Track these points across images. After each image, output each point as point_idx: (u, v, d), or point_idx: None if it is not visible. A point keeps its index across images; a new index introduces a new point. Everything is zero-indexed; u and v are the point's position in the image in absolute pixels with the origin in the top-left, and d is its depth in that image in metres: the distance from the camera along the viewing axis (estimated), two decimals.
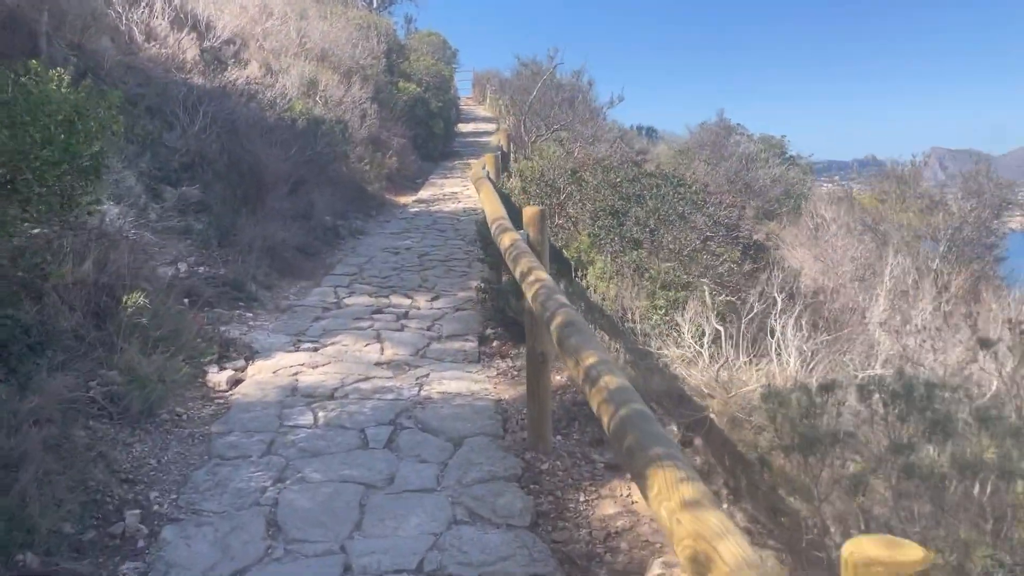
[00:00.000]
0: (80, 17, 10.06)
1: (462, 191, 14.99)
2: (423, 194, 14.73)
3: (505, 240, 4.06)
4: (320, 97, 12.97)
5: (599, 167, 6.89)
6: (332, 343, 6.01)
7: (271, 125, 10.79)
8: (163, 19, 11.47)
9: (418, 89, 19.59)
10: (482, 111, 39.07)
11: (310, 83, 13.09)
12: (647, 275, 5.89)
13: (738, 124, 15.86)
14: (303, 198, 9.89)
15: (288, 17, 15.23)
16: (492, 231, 4.74)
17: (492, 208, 5.05)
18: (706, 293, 5.46)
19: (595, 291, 5.34)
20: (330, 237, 9.77)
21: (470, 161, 19.81)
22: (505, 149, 9.81)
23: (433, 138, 19.71)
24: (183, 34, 11.59)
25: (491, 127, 31.39)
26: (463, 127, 29.84)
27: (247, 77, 11.69)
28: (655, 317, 5.58)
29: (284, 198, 9.36)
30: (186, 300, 6.14)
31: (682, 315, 5.44)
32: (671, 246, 6.05)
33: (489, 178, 6.90)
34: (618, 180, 6.51)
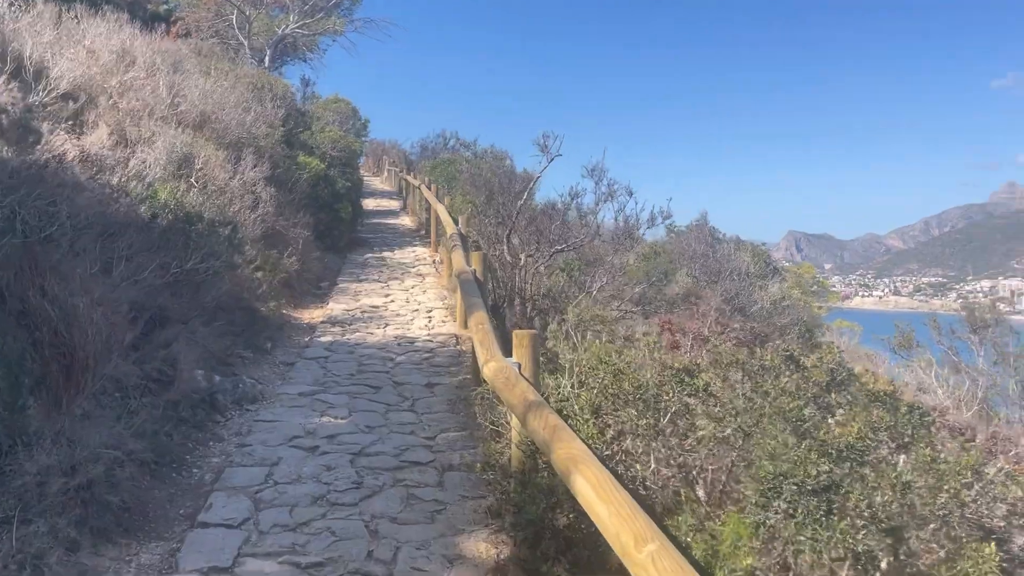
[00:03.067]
0: None
1: (385, 303, 11.48)
2: (335, 307, 11.08)
3: None
4: (197, 179, 9.30)
5: (736, 365, 3.68)
6: None
7: (118, 225, 7.06)
8: None
9: (322, 165, 16.10)
10: (379, 184, 35.79)
11: (183, 159, 9.42)
12: None
13: (713, 227, 13.22)
14: (160, 349, 6.17)
15: (157, 69, 11.51)
16: None
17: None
18: None
19: None
20: (202, 418, 6.03)
21: (384, 254, 16.38)
22: (480, 277, 6.54)
23: (339, 224, 16.16)
24: None
25: (395, 205, 28.08)
26: (365, 203, 26.31)
27: (84, 149, 7.93)
28: None
29: (125, 356, 5.64)
30: None
31: None
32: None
33: (527, 379, 3.50)
34: (800, 409, 3.28)
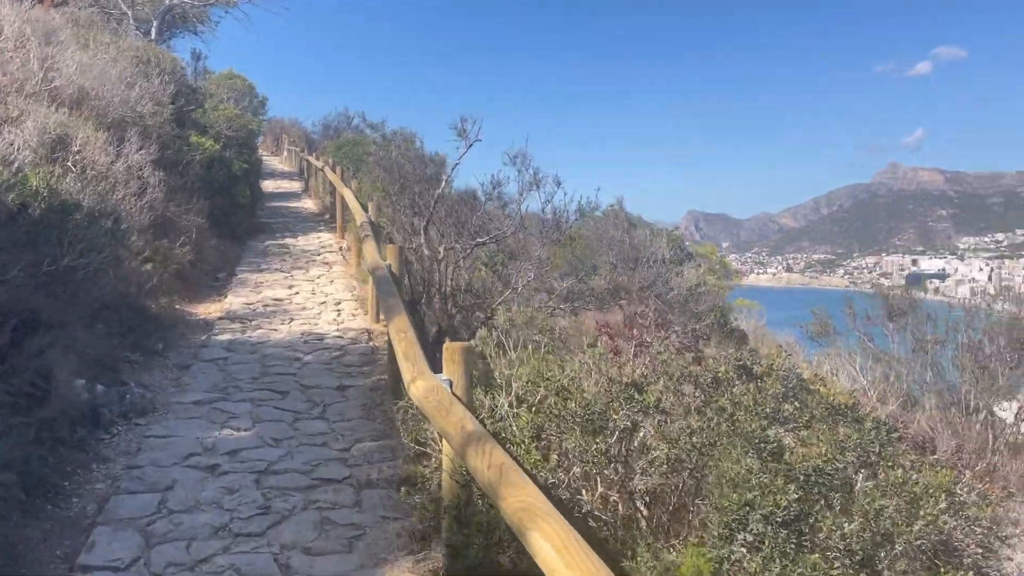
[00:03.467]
0: None
1: (289, 295, 10.82)
2: (234, 301, 10.35)
3: None
4: (74, 163, 8.41)
5: (688, 379, 3.38)
6: None
7: None
8: None
9: (216, 146, 15.09)
10: (279, 164, 34.47)
11: (58, 140, 8.50)
12: None
13: (629, 213, 13.06)
14: (32, 359, 5.45)
15: (27, 40, 10.40)
16: None
17: None
18: None
19: None
20: (83, 436, 5.36)
21: (287, 241, 15.60)
22: (396, 272, 6.12)
23: (237, 210, 15.23)
24: None
25: (296, 186, 27.01)
26: (263, 185, 25.10)
27: None
28: None
29: None
30: None
31: None
32: None
33: (461, 399, 3.09)
34: (763, 430, 3.00)
